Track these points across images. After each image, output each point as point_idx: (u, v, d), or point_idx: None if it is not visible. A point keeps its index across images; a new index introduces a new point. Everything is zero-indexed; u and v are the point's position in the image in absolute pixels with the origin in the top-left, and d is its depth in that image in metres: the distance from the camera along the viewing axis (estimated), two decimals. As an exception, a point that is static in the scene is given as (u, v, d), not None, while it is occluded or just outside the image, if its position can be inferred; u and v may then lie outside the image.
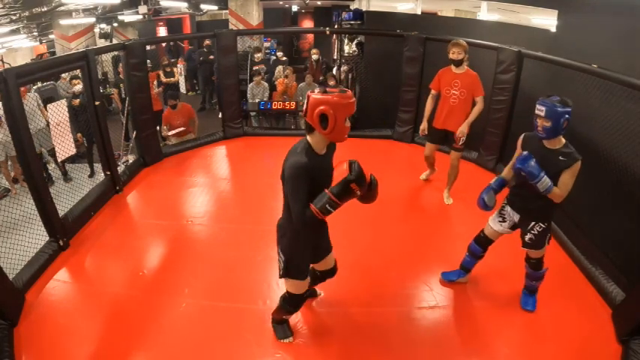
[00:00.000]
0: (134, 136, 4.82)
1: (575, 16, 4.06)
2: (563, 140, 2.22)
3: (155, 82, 6.31)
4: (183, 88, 10.16)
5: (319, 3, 13.07)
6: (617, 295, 2.55)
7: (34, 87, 5.98)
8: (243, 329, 2.42)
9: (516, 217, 2.43)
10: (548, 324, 2.47)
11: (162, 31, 13.63)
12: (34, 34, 12.13)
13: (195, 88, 10.21)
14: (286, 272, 2.08)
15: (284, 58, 8.17)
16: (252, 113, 6.32)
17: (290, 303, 2.20)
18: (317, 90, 1.81)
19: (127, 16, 10.42)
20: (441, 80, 3.67)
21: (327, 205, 1.79)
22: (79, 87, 5.14)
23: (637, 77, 2.52)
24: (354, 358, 2.28)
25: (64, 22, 10.08)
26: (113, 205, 3.90)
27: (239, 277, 2.87)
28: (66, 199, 3.58)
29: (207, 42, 8.78)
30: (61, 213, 3.21)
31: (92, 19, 10.27)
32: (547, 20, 5.46)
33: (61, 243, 3.11)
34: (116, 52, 5.44)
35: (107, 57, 7.91)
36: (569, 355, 2.28)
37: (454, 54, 3.52)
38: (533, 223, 2.35)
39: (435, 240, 3.42)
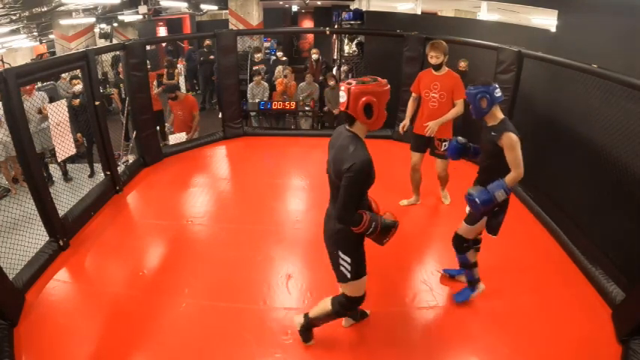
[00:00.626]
0: (134, 136, 4.82)
1: (575, 16, 4.07)
2: (500, 116, 2.31)
3: (155, 83, 6.31)
4: (183, 88, 10.15)
5: (319, 3, 13.07)
6: (617, 295, 2.55)
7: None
8: (243, 329, 2.42)
9: None
10: (548, 324, 2.47)
11: (162, 31, 13.63)
12: (34, 34, 12.14)
13: (196, 88, 10.22)
14: (357, 273, 2.01)
15: (284, 58, 8.17)
16: (252, 113, 6.33)
17: (349, 307, 2.12)
18: (351, 81, 1.81)
19: (127, 16, 10.44)
20: (421, 83, 3.48)
21: (373, 223, 1.86)
22: (79, 87, 5.14)
23: (637, 77, 2.52)
24: (354, 358, 2.29)
25: (64, 22, 10.09)
26: (113, 205, 3.90)
27: (239, 277, 2.87)
28: (66, 199, 3.58)
29: (207, 42, 8.79)
30: (61, 213, 3.21)
31: (92, 19, 10.29)
32: (547, 20, 5.48)
33: (61, 243, 3.12)
34: (116, 52, 5.44)
35: (107, 57, 7.91)
36: (569, 355, 2.28)
37: (432, 58, 3.31)
38: None
39: (434, 240, 3.42)
